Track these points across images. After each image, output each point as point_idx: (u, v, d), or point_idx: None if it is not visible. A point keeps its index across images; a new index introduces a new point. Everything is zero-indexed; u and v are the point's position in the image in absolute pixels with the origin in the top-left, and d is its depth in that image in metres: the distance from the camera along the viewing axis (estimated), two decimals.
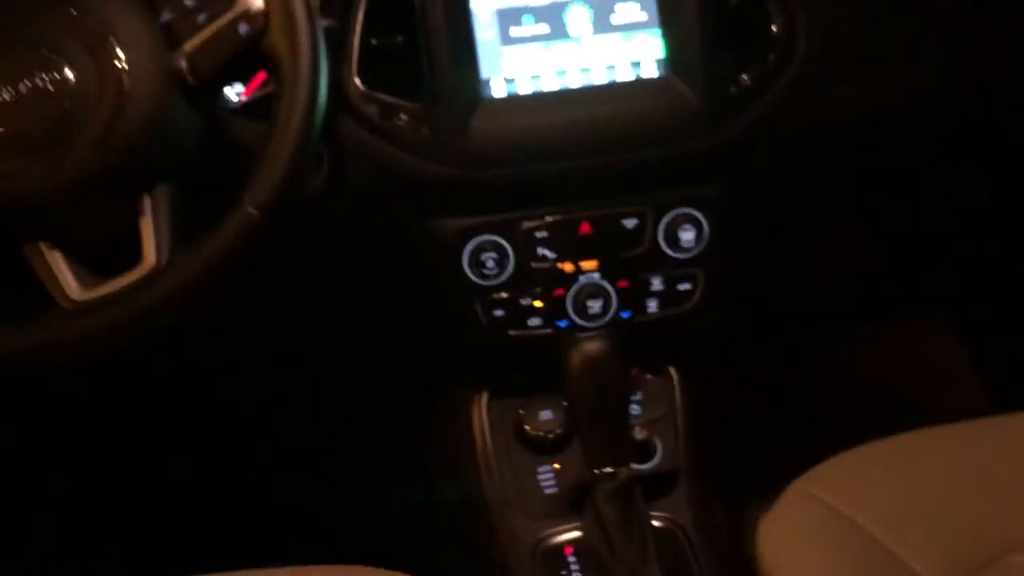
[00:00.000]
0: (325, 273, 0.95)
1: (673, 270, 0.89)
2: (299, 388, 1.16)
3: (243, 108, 0.80)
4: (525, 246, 0.87)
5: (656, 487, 0.92)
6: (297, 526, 1.07)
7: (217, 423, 1.19)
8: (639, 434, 0.91)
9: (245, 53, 0.67)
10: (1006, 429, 0.81)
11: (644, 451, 0.92)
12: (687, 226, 0.88)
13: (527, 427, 0.94)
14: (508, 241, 0.87)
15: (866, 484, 0.74)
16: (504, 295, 0.88)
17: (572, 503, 0.91)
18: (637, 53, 0.84)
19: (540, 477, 0.94)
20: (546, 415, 0.94)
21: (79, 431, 1.18)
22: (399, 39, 0.82)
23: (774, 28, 0.84)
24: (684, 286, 0.90)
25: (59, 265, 0.64)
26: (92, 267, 0.66)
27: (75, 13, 0.64)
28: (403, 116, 0.82)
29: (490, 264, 0.87)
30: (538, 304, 0.88)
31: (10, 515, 1.14)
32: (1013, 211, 1.15)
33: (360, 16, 0.81)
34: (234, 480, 1.18)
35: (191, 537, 1.14)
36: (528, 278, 0.88)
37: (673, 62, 0.84)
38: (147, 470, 1.20)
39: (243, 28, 0.66)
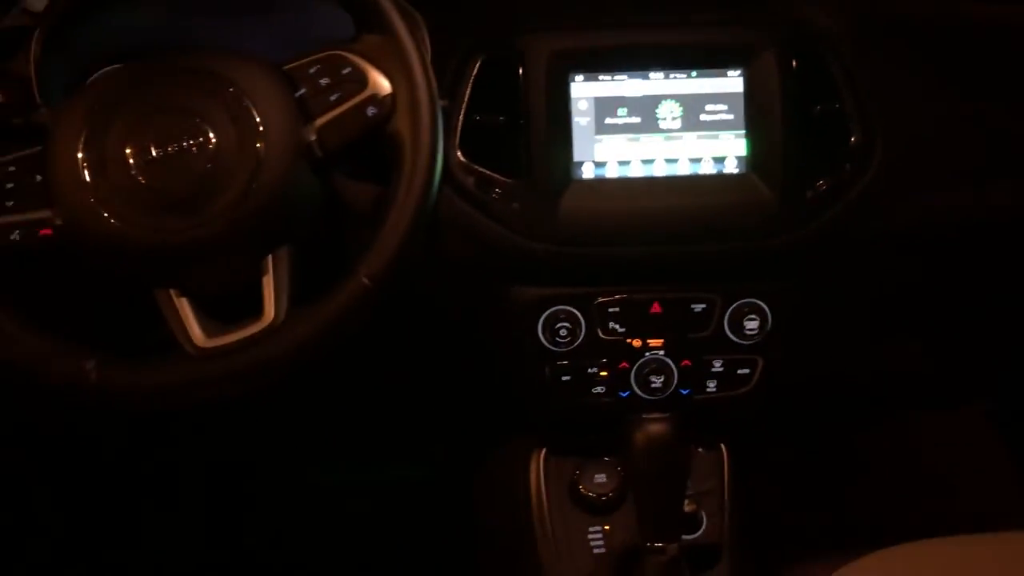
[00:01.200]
0: (405, 327, 1.00)
1: (734, 355, 0.94)
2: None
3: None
4: (597, 319, 0.92)
5: (699, 559, 0.96)
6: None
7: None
8: (688, 507, 0.96)
9: (370, 132, 0.73)
10: None
11: (690, 522, 0.97)
12: (752, 315, 0.92)
13: (581, 487, 0.99)
14: (582, 313, 0.92)
15: None
16: (572, 363, 0.93)
17: (618, 565, 0.95)
18: (721, 150, 0.89)
19: (590, 537, 0.98)
20: (600, 478, 0.99)
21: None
22: (501, 118, 0.88)
23: (853, 139, 0.89)
24: (743, 370, 0.94)
25: (186, 312, 0.71)
26: (211, 315, 0.72)
27: (223, 83, 0.71)
28: (498, 190, 0.88)
29: (563, 332, 0.92)
30: (603, 374, 0.93)
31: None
32: None
33: (467, 93, 0.87)
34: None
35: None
36: (597, 349, 0.93)
37: (754, 162, 0.89)
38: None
39: (371, 111, 0.73)
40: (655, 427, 0.88)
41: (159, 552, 1.24)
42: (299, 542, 1.26)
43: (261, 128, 0.70)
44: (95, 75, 0.94)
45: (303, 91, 0.73)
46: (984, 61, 0.95)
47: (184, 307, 0.71)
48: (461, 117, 0.87)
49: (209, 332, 0.70)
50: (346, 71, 0.73)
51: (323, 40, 0.92)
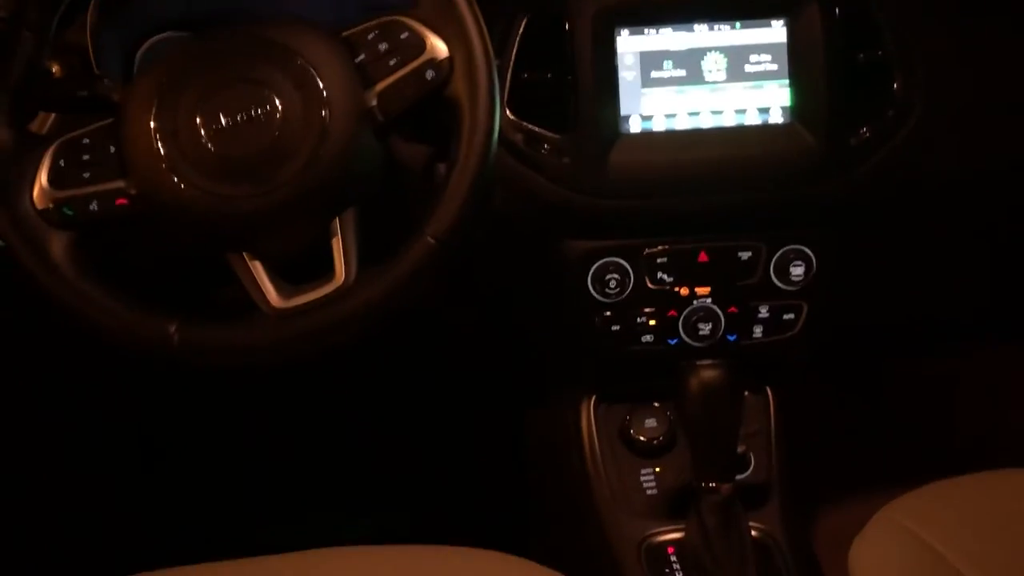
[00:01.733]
0: (455, 286, 1.03)
1: (780, 300, 0.96)
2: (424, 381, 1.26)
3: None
4: (646, 269, 0.95)
5: (749, 498, 1.00)
6: (415, 503, 1.18)
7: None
8: (738, 448, 0.99)
9: (429, 96, 0.75)
10: None
11: (740, 464, 1.00)
12: (797, 262, 0.95)
13: (633, 431, 1.03)
14: (630, 264, 0.95)
15: (956, 518, 0.81)
16: (622, 312, 0.96)
17: (672, 505, 0.99)
18: (766, 100, 0.91)
19: (643, 478, 1.02)
20: (651, 422, 1.02)
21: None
22: (548, 75, 0.89)
23: (896, 86, 0.90)
24: (788, 316, 0.97)
25: (260, 274, 0.73)
26: (283, 276, 0.75)
27: (287, 53, 0.73)
28: (546, 146, 0.90)
29: (612, 284, 0.95)
30: (652, 323, 0.97)
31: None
32: None
33: (514, 52, 0.89)
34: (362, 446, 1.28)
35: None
36: (645, 298, 0.96)
37: (799, 111, 0.90)
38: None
39: (430, 74, 0.74)
40: (707, 373, 0.91)
41: None
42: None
43: (325, 96, 0.72)
44: (162, 48, 0.96)
45: (363, 57, 0.75)
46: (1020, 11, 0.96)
47: (258, 270, 0.73)
48: (509, 75, 0.89)
49: (284, 293, 0.73)
50: (404, 36, 0.75)
51: (371, 6, 0.94)
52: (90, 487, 1.28)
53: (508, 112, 0.89)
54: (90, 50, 0.89)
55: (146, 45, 0.98)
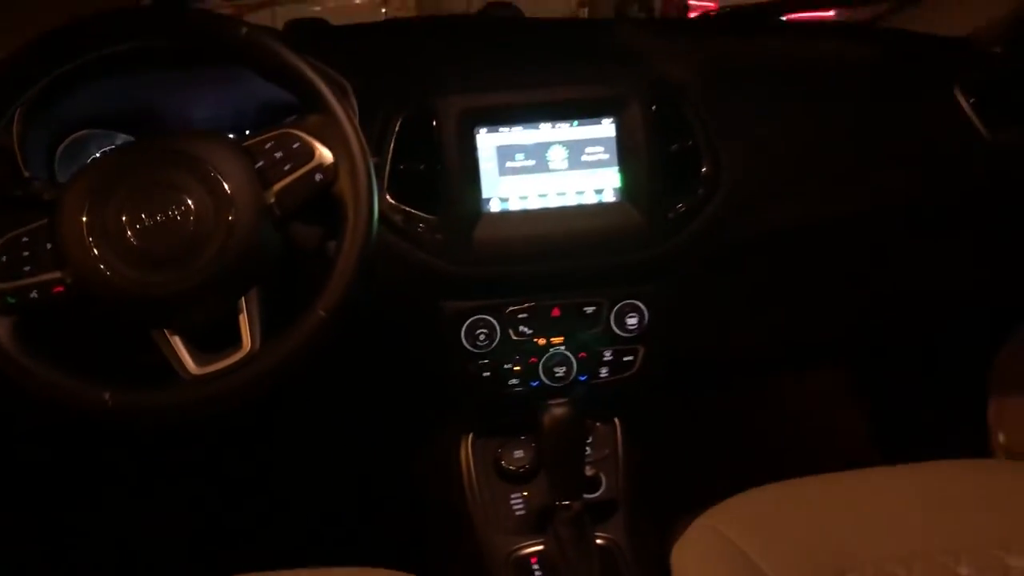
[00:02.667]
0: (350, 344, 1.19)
1: (620, 345, 1.15)
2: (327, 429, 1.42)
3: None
4: (509, 324, 1.12)
5: (600, 512, 1.18)
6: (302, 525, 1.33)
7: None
8: (588, 471, 1.17)
9: (319, 193, 0.91)
10: (874, 478, 1.07)
11: (592, 484, 1.18)
12: (632, 313, 1.14)
13: (503, 462, 1.19)
14: (497, 320, 1.12)
15: (757, 521, 0.99)
16: (491, 361, 1.13)
17: (536, 523, 1.16)
18: (600, 183, 1.09)
19: (512, 502, 1.19)
20: (518, 453, 1.19)
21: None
22: (421, 166, 1.06)
23: (704, 169, 1.10)
24: (628, 357, 1.16)
25: (179, 346, 0.87)
26: (199, 347, 0.90)
27: (198, 162, 0.87)
28: (422, 224, 1.06)
29: (482, 337, 1.12)
30: (517, 368, 1.14)
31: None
32: (903, 298, 1.44)
33: (391, 147, 1.05)
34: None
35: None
36: (510, 349, 1.13)
37: (627, 191, 1.09)
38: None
39: (318, 176, 0.89)
40: (558, 410, 1.08)
41: None
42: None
43: (231, 196, 0.87)
44: (79, 144, 1.09)
45: (261, 163, 0.89)
46: (801, 95, 1.18)
47: (177, 343, 0.87)
48: (388, 167, 1.05)
49: (200, 361, 0.87)
50: (296, 145, 0.90)
51: (263, 107, 1.10)
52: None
53: (388, 197, 1.05)
54: (17, 153, 1.02)
55: (66, 142, 1.12)
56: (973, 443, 1.50)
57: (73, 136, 1.11)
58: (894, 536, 0.98)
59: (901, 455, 1.09)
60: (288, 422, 1.42)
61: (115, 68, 0.97)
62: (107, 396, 0.85)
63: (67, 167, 1.11)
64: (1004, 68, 1.27)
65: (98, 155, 1.12)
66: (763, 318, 1.37)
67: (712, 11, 1.53)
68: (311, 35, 1.41)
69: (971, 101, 1.21)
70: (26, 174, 1.01)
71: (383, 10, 10.59)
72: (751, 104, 1.16)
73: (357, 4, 10.69)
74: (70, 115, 1.09)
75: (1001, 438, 1.51)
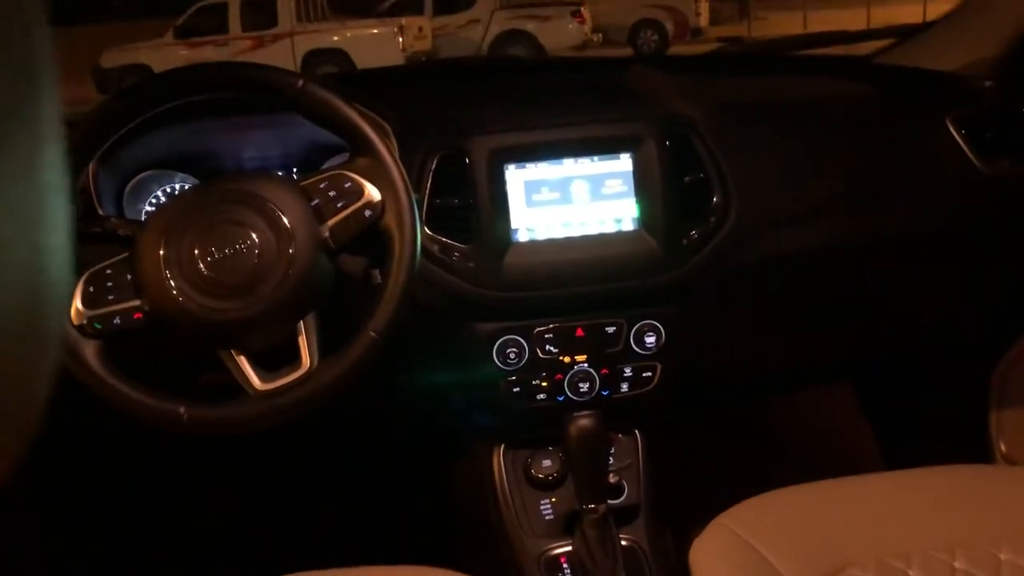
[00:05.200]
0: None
1: (639, 362, 1.24)
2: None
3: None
4: (537, 343, 1.21)
5: (623, 517, 1.27)
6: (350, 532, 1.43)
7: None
8: (612, 479, 1.26)
9: (368, 228, 1.01)
10: (877, 482, 1.16)
11: (615, 491, 1.27)
12: (650, 333, 1.23)
13: (533, 471, 1.28)
14: (525, 340, 1.21)
15: (768, 521, 1.07)
16: (520, 377, 1.23)
17: (565, 526, 1.25)
18: (619, 213, 1.19)
19: (542, 507, 1.27)
20: (547, 463, 1.28)
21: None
22: (455, 200, 1.16)
23: (715, 199, 1.20)
24: (647, 374, 1.25)
25: (245, 365, 0.98)
26: (262, 366, 1.00)
27: (261, 200, 0.98)
28: (456, 254, 1.16)
29: (512, 355, 1.21)
30: (544, 384, 1.23)
31: None
32: (904, 319, 1.53)
33: (428, 184, 1.16)
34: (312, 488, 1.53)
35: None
36: (538, 366, 1.22)
37: (643, 221, 1.18)
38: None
39: (368, 213, 1.00)
40: (583, 421, 1.18)
41: None
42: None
43: (291, 230, 0.97)
44: (145, 183, 1.20)
45: (316, 201, 1.00)
46: (802, 129, 1.28)
47: (243, 362, 0.98)
48: (425, 202, 1.15)
49: (263, 378, 0.98)
50: (347, 185, 1.00)
51: (308, 147, 1.21)
52: None
53: (426, 229, 1.15)
54: (93, 194, 1.13)
55: (132, 182, 1.23)
56: (974, 453, 1.58)
57: (139, 176, 1.23)
58: (895, 534, 1.06)
59: (904, 464, 1.18)
60: (323, 440, 1.53)
61: (181, 116, 1.08)
62: (183, 411, 0.95)
63: (133, 204, 1.23)
64: (994, 102, 1.37)
65: (163, 195, 1.23)
66: (771, 337, 1.46)
67: (723, 49, 1.64)
68: (354, 82, 1.52)
69: (963, 133, 1.31)
70: (101, 212, 1.12)
71: (399, 39, 10.84)
72: (757, 138, 1.26)
73: (374, 34, 10.99)
74: (137, 157, 1.20)
75: (1002, 447, 1.59)
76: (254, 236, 0.97)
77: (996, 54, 1.38)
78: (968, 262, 1.43)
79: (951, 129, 1.31)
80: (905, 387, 1.72)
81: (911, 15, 7.73)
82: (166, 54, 10.53)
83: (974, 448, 1.59)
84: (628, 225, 1.19)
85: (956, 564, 1.03)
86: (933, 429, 1.67)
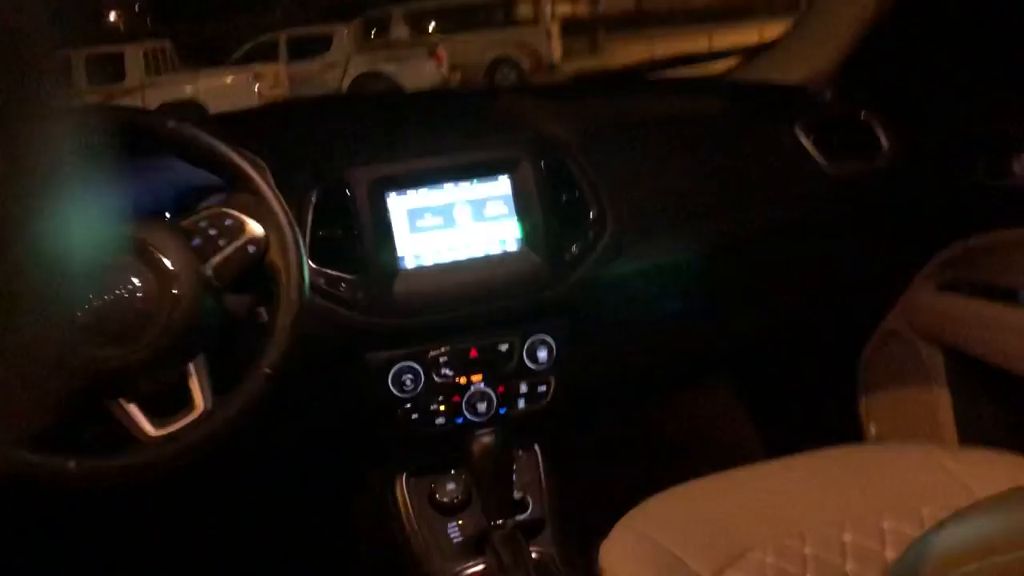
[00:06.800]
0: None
1: (534, 378, 1.27)
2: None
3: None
4: (432, 368, 1.22)
5: (531, 531, 1.28)
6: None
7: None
8: (517, 494, 1.28)
9: (252, 264, 1.00)
10: (766, 470, 1.22)
11: (521, 506, 1.29)
12: (542, 347, 1.26)
13: (438, 496, 1.28)
14: (420, 365, 1.22)
15: (671, 517, 1.12)
16: (417, 403, 1.23)
17: (474, 546, 1.25)
18: (502, 234, 1.22)
19: (450, 530, 1.27)
20: (451, 486, 1.28)
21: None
22: (339, 231, 1.16)
23: (591, 214, 1.25)
24: (542, 388, 1.28)
25: (135, 412, 0.95)
26: (153, 411, 0.97)
27: (141, 244, 0.95)
28: (343, 285, 1.16)
29: (407, 382, 1.22)
30: (442, 408, 1.24)
31: None
32: (775, 315, 1.62)
33: (310, 217, 1.15)
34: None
35: None
36: (434, 390, 1.23)
37: (526, 240, 1.22)
38: None
39: (251, 248, 0.98)
40: (486, 439, 1.19)
41: None
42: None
43: (173, 272, 0.95)
44: None
45: (198, 240, 0.98)
46: (665, 144, 1.36)
47: (133, 410, 0.94)
48: (308, 235, 1.15)
49: (156, 424, 0.94)
50: (228, 222, 0.99)
51: (181, 190, 1.18)
52: None
53: (311, 263, 1.14)
54: None
55: None
56: (848, 436, 1.68)
57: None
58: (788, 516, 1.12)
59: (785, 451, 1.25)
60: (221, 479, 1.48)
61: None
62: (72, 464, 0.91)
63: None
64: (835, 110, 1.48)
65: None
66: (655, 341, 1.52)
67: (582, 74, 1.71)
68: (222, 122, 1.50)
69: (810, 139, 1.41)
70: None
71: (256, 86, 10.62)
72: (625, 155, 1.32)
73: (229, 83, 10.75)
74: None
75: (872, 429, 1.71)
76: (135, 280, 0.94)
77: (834, 65, 1.50)
78: (824, 256, 1.53)
79: (799, 136, 1.41)
80: (779, 380, 1.82)
81: (748, 39, 8.22)
82: None
83: (847, 431, 1.69)
84: (512, 245, 1.22)
85: (845, 537, 1.10)
86: (808, 417, 1.77)
